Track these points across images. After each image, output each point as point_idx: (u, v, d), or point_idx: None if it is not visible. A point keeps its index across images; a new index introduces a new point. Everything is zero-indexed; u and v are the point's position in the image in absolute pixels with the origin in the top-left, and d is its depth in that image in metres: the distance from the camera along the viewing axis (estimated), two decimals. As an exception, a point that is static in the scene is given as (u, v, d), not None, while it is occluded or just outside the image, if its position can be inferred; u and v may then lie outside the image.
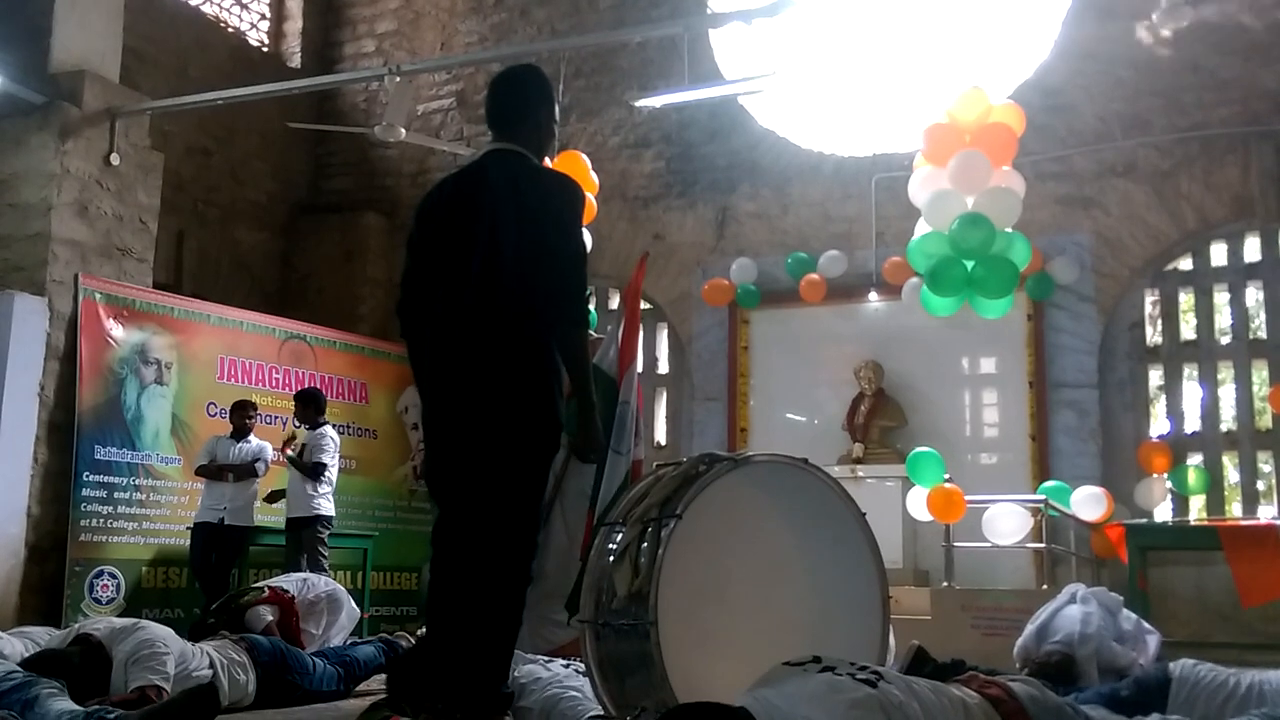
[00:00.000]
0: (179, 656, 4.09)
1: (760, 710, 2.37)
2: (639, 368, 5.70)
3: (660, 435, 10.49)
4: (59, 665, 3.74)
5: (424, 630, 3.75)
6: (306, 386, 8.88)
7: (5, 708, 3.15)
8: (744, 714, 2.36)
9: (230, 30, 11.48)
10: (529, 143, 3.46)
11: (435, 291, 3.35)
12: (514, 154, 3.43)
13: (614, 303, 10.50)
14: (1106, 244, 9.08)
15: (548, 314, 3.23)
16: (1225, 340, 9.01)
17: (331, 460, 8.16)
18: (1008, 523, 7.81)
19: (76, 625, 4.50)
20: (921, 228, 6.95)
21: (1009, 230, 6.71)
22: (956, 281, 6.68)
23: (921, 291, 7.05)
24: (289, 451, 8.14)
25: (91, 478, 8.13)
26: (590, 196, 7.55)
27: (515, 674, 3.40)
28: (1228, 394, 8.99)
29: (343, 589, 6.50)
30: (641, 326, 7.73)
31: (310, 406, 8.31)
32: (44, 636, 4.97)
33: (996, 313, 7.04)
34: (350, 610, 6.35)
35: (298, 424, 8.42)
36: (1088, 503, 8.10)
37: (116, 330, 8.41)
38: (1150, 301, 9.23)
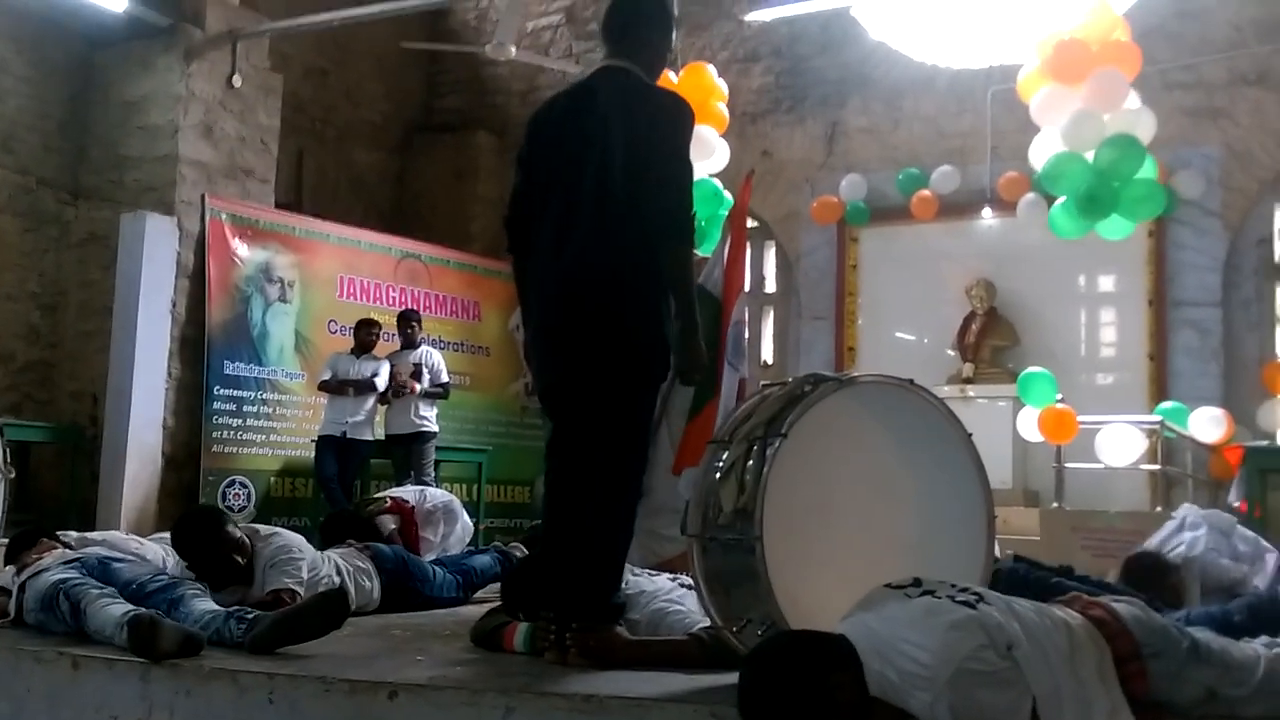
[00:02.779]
0: (310, 563, 4.32)
1: (859, 636, 2.42)
2: (746, 286, 5.73)
3: (767, 354, 10.51)
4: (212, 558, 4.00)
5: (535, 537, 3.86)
6: (409, 308, 9.09)
7: (152, 607, 3.40)
8: (843, 641, 2.40)
9: (343, -50, 11.59)
10: (638, 60, 3.45)
11: (545, 210, 3.41)
12: (623, 71, 3.43)
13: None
14: (1235, 156, 8.73)
15: (655, 233, 3.28)
16: (1361, 258, 8.64)
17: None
18: (1121, 444, 7.69)
19: None
20: (1044, 146, 6.72)
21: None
22: (1106, 205, 6.51)
23: (1054, 213, 6.85)
24: (417, 386, 8.32)
25: (221, 391, 8.51)
26: (722, 107, 7.53)
27: (623, 586, 3.52)
28: (1361, 314, 8.65)
29: (458, 500, 6.74)
30: (749, 245, 7.71)
31: (420, 325, 8.61)
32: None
33: (1122, 234, 6.87)
34: (465, 523, 6.58)
35: (401, 344, 8.60)
36: (1207, 424, 7.91)
37: (242, 249, 8.73)
38: (1281, 217, 8.88)
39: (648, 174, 3.25)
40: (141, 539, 5.10)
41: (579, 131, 3.37)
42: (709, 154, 7.29)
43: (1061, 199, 6.67)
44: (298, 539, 4.41)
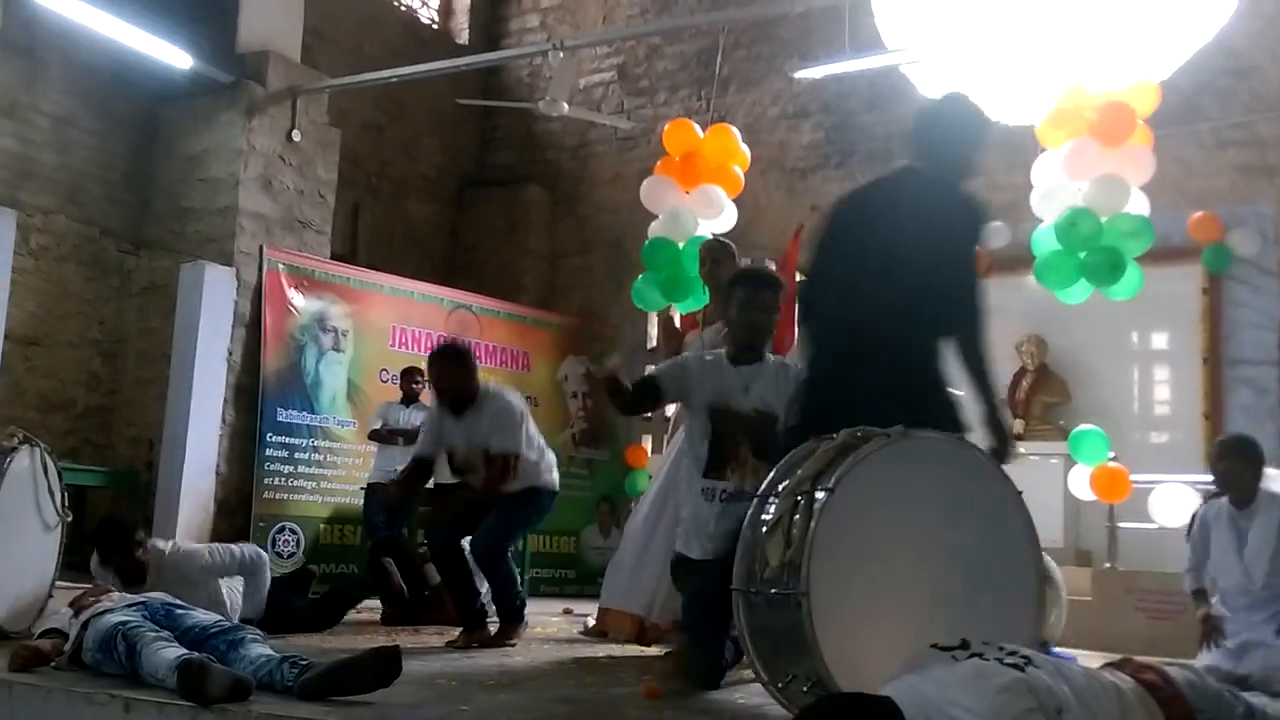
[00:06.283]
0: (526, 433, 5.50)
1: (907, 699, 2.39)
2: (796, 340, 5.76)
3: (816, 407, 10.46)
4: None
5: None
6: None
7: (210, 649, 3.45)
8: (890, 704, 2.37)
9: (402, 8, 11.86)
10: (931, 164, 3.85)
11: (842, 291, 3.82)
12: (913, 171, 3.88)
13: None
14: (1291, 214, 8.64)
15: (948, 319, 3.83)
16: None
17: None
18: (1176, 503, 7.56)
19: None
20: (1052, 195, 6.69)
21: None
22: (1108, 274, 6.49)
23: (1041, 264, 6.84)
24: None
25: (274, 439, 8.62)
26: (738, 170, 7.55)
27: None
28: None
29: (506, 551, 6.76)
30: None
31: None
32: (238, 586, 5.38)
33: (1080, 299, 6.84)
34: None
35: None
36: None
37: (297, 299, 8.87)
38: (1339, 275, 8.75)
39: (938, 267, 3.65)
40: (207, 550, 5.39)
41: (873, 225, 3.78)
42: (717, 213, 7.31)
43: (1051, 249, 6.68)
44: (519, 402, 5.58)
